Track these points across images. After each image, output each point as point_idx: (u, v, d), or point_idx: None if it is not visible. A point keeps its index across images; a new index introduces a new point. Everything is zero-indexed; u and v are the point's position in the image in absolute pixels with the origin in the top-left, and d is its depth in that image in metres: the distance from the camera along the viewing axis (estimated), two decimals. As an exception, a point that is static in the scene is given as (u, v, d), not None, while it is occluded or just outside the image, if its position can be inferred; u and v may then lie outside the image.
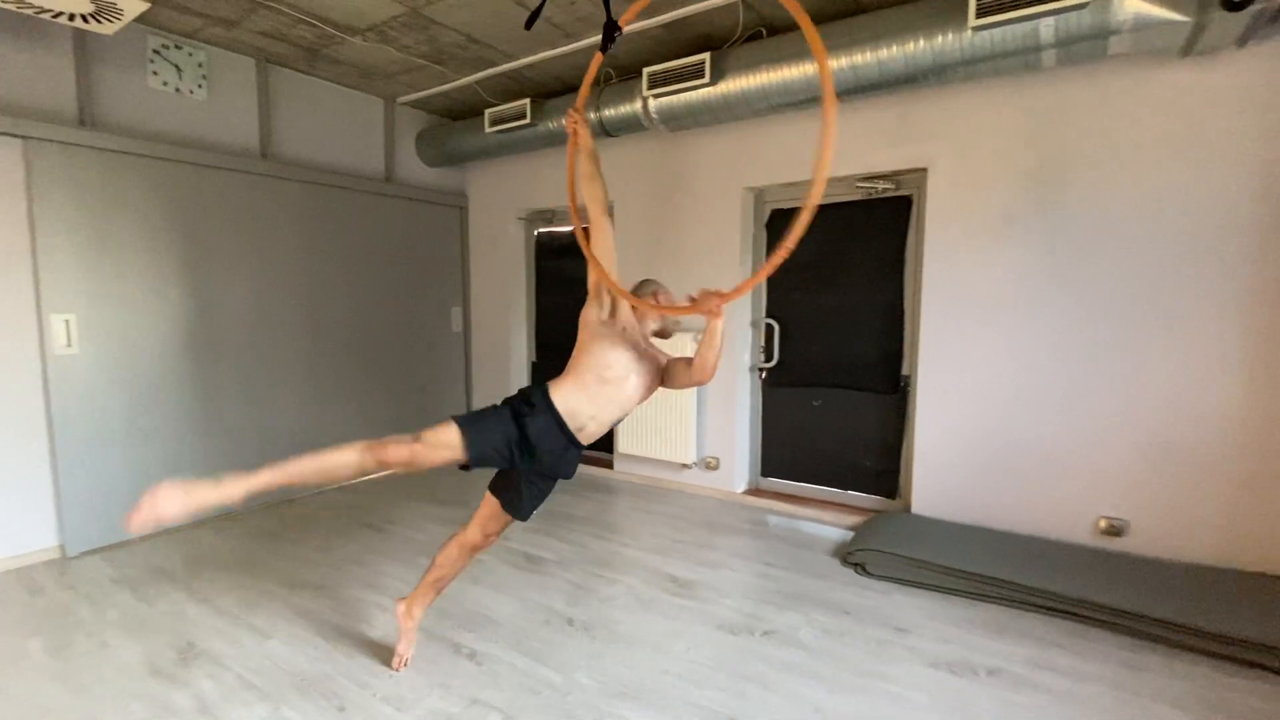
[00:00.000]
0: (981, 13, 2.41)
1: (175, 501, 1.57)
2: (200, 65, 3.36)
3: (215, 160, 3.40)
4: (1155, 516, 2.65)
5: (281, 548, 3.05)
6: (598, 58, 2.11)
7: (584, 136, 2.07)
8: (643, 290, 2.00)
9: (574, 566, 2.85)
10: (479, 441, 1.78)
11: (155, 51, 3.20)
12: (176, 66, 3.28)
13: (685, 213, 3.80)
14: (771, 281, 3.73)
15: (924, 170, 3.10)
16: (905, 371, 3.32)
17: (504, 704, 1.89)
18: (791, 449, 3.77)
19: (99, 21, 2.44)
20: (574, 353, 1.93)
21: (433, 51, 3.48)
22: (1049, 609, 2.38)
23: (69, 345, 2.93)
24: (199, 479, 1.62)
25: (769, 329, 3.71)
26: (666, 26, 3.14)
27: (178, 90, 3.29)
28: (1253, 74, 2.40)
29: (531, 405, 1.83)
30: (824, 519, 3.44)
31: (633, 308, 1.96)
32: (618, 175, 4.06)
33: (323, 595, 2.57)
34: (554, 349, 4.78)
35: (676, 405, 3.80)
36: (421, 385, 4.60)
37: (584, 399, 1.85)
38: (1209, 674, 2.02)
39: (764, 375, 3.80)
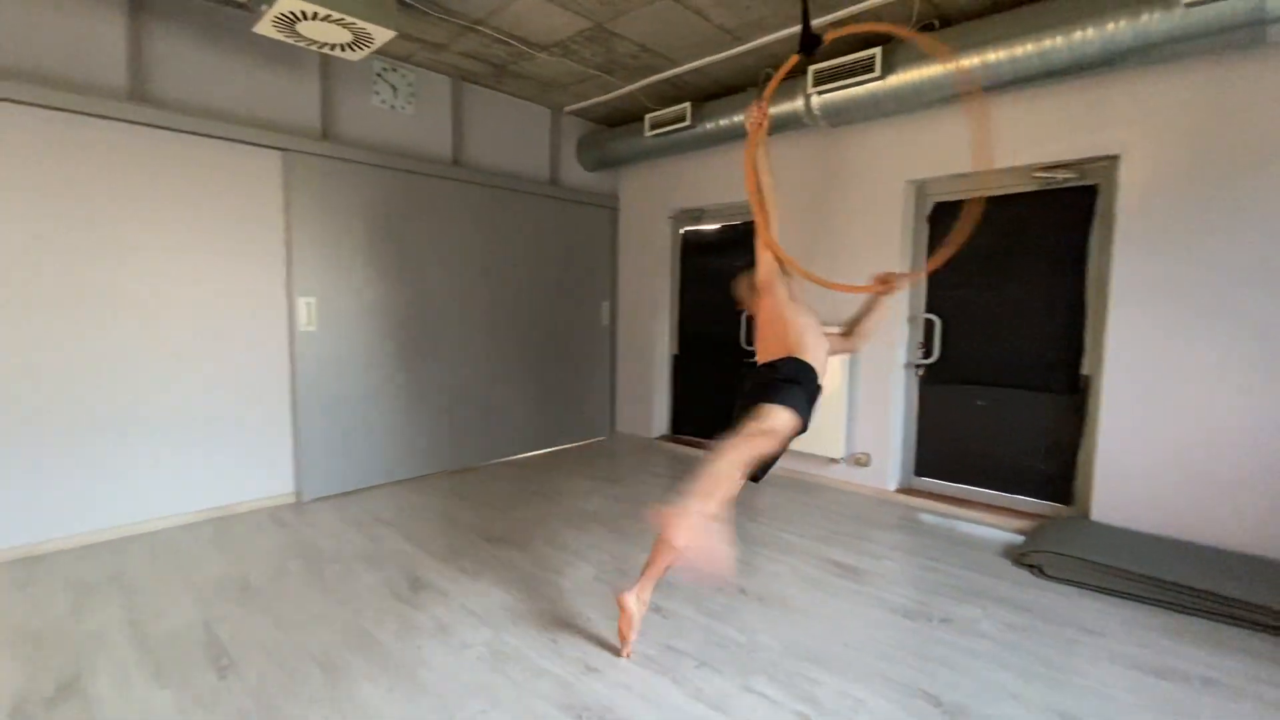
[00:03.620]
0: (1201, -13, 2.28)
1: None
2: (410, 85, 3.87)
3: (419, 167, 3.88)
4: (1406, 538, 2.35)
5: (471, 508, 3.43)
6: (793, 59, 2.25)
7: (764, 130, 2.25)
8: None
9: (736, 543, 2.98)
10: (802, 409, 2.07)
11: (378, 74, 3.73)
12: (393, 86, 3.79)
13: (844, 207, 3.83)
14: (934, 276, 3.66)
15: (1115, 158, 2.94)
16: (1085, 371, 3.15)
17: (694, 652, 2.05)
18: (950, 449, 3.68)
19: (352, 50, 2.91)
20: (779, 328, 2.12)
21: (606, 62, 3.77)
22: (1263, 626, 2.19)
23: (309, 323, 3.48)
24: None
25: (929, 325, 3.65)
26: (833, 24, 3.20)
27: (392, 107, 3.81)
28: None
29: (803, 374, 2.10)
30: (986, 521, 3.33)
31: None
32: (776, 172, 4.16)
33: (515, 548, 2.88)
34: (696, 342, 4.94)
35: (826, 399, 3.82)
36: (574, 371, 4.94)
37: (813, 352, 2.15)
38: None
39: (922, 372, 3.73)
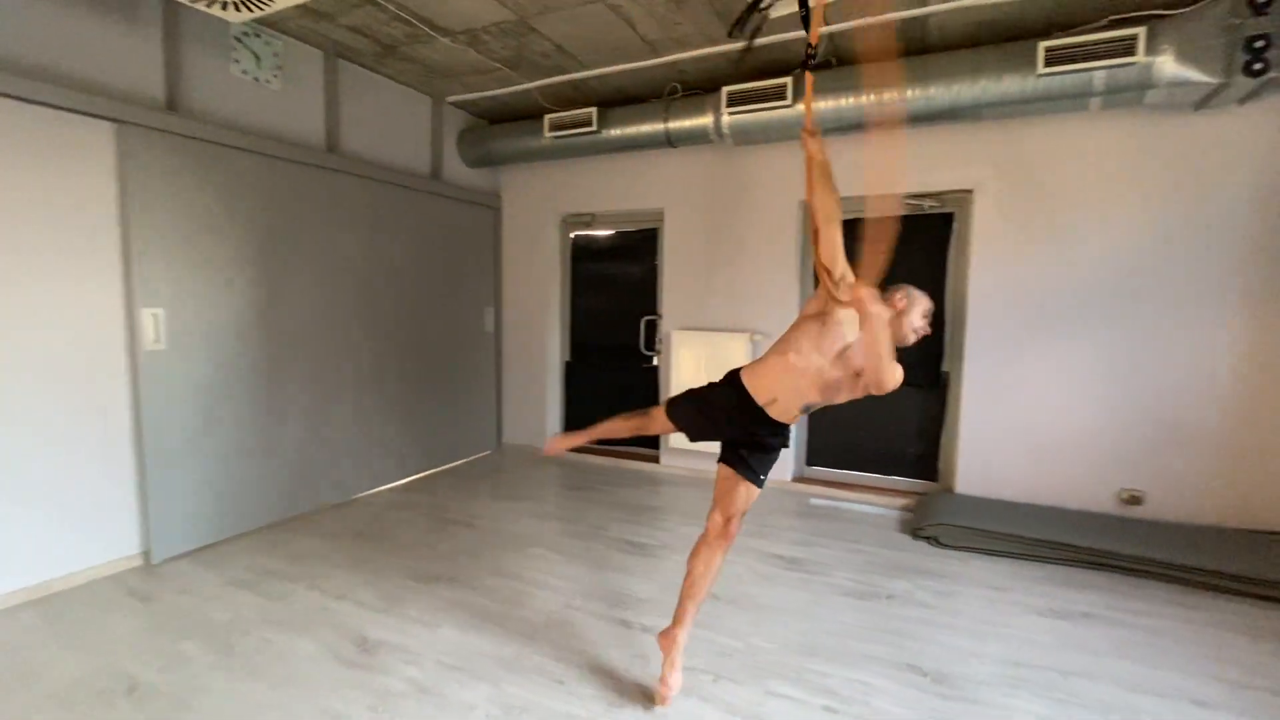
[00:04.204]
0: (1049, 63, 2.85)
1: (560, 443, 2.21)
2: (276, 55, 3.28)
3: (287, 153, 3.31)
4: (1168, 486, 3.19)
5: (381, 546, 3.03)
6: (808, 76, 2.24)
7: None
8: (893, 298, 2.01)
9: (681, 549, 3.03)
10: (680, 416, 2.03)
11: (237, 38, 3.10)
12: (255, 55, 3.18)
13: (743, 221, 4.07)
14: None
15: (969, 191, 3.54)
16: (945, 368, 3.75)
17: (704, 666, 2.07)
18: (835, 439, 4.12)
19: (239, 9, 2.39)
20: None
21: (514, 57, 3.56)
22: (1104, 566, 2.83)
23: (157, 341, 2.79)
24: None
25: (818, 330, 4.04)
26: (744, 51, 3.39)
27: (255, 79, 3.20)
28: (1249, 126, 2.96)
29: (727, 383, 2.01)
30: (873, 501, 3.80)
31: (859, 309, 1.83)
32: (676, 183, 4.28)
33: (460, 586, 2.62)
34: (589, 349, 4.90)
35: (731, 401, 4.06)
36: (457, 382, 4.59)
37: (770, 378, 1.98)
38: (1248, 609, 2.50)
39: (811, 373, 4.12)
